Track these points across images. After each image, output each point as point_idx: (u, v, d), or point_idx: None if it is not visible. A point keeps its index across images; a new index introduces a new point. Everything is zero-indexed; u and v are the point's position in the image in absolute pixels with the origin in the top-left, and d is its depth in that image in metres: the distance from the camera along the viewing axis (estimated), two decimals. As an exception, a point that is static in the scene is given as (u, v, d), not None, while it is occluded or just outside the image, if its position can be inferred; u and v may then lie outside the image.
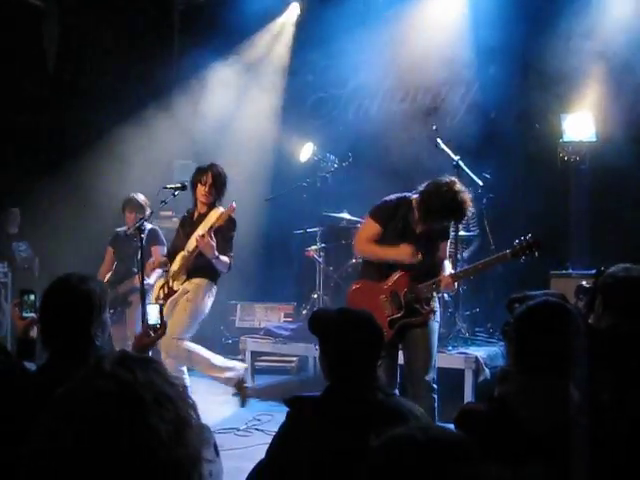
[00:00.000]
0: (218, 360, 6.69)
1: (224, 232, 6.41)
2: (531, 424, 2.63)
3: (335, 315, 3.23)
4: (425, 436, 1.58)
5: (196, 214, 6.74)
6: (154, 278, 7.16)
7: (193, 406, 1.54)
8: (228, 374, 6.65)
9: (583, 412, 2.53)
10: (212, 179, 6.59)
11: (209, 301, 6.62)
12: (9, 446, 2.21)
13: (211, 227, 6.29)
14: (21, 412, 2.53)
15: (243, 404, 6.73)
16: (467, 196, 5.19)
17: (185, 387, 1.59)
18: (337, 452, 2.80)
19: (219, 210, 6.57)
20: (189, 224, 6.75)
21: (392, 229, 5.41)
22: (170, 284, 6.60)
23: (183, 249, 6.64)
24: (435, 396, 5.34)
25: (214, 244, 6.25)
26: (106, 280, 7.82)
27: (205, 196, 6.60)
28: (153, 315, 3.65)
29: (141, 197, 7.79)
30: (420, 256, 5.32)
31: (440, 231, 5.49)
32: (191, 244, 6.53)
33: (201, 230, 6.43)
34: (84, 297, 3.16)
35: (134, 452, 1.39)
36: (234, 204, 6.39)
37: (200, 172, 6.65)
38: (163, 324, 3.67)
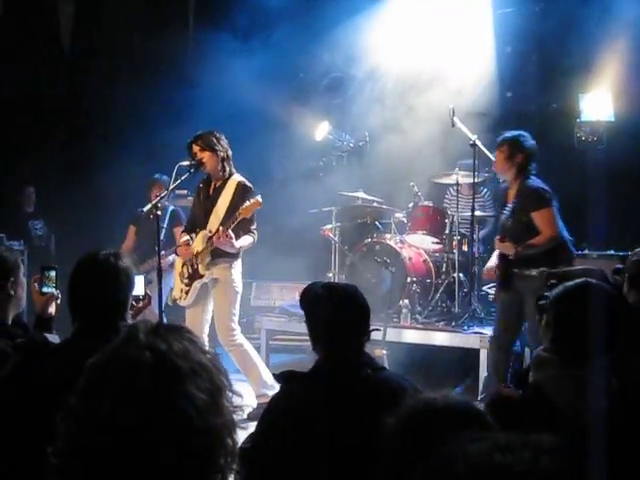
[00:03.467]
0: (265, 373, 6.51)
1: (247, 220, 6.37)
2: (569, 412, 2.60)
3: (320, 290, 3.22)
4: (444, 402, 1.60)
5: (212, 187, 6.61)
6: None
7: (226, 374, 1.56)
8: (263, 390, 6.40)
9: (620, 400, 2.46)
10: (207, 148, 6.44)
11: (240, 277, 6.61)
12: (39, 417, 2.24)
13: (232, 221, 6.22)
14: (51, 383, 2.55)
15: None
16: None
17: (217, 355, 1.59)
18: (327, 427, 2.82)
19: (234, 181, 6.49)
20: (206, 197, 6.64)
21: None
22: (195, 265, 6.54)
23: (203, 226, 6.56)
24: None
25: (233, 240, 6.20)
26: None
27: (212, 165, 6.46)
28: (139, 285, 3.68)
29: (165, 178, 7.83)
30: None
31: None
32: (212, 224, 6.47)
33: (218, 209, 6.41)
34: (119, 272, 3.15)
35: (172, 421, 1.41)
36: (260, 199, 6.26)
37: (190, 145, 6.49)
38: (147, 295, 3.72)
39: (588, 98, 8.17)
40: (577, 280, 2.89)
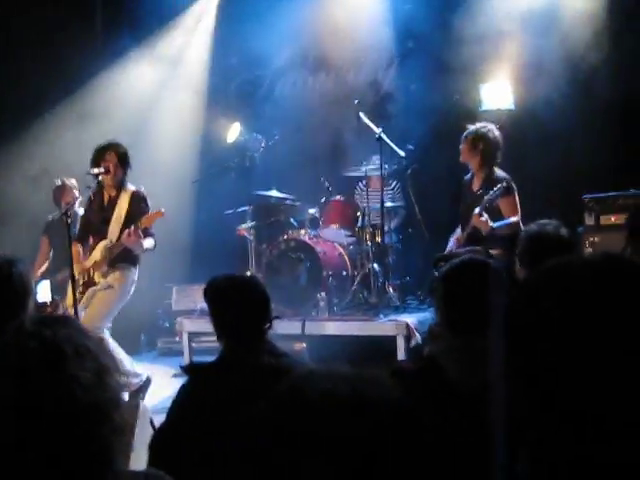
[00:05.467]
0: (128, 364, 6.53)
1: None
2: (458, 382, 2.72)
3: (222, 282, 3.34)
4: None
5: (106, 197, 6.65)
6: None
7: (112, 356, 1.73)
8: (132, 379, 6.51)
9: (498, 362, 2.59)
10: (117, 158, 6.52)
11: (133, 287, 6.65)
12: None
13: (137, 227, 6.26)
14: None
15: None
16: None
17: (102, 339, 1.77)
18: (231, 417, 2.92)
19: (129, 191, 6.55)
20: (100, 208, 6.66)
21: None
22: (90, 274, 6.55)
23: (102, 235, 6.57)
24: None
25: (142, 241, 6.30)
26: (44, 269, 7.85)
27: (112, 178, 6.53)
28: (45, 291, 3.74)
29: (72, 181, 7.82)
30: None
31: None
32: (112, 233, 6.51)
33: (116, 218, 6.45)
34: (11, 279, 3.17)
35: (58, 398, 1.57)
36: (163, 211, 6.34)
37: (102, 152, 6.51)
38: (54, 300, 3.78)
39: (488, 87, 8.43)
40: (462, 257, 3.05)
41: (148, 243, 6.45)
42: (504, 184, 6.35)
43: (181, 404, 3.17)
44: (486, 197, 6.36)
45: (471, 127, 6.85)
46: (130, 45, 9.73)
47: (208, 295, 3.37)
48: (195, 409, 3.08)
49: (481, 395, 2.70)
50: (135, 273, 6.64)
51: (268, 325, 3.26)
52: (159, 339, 9.51)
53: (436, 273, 3.20)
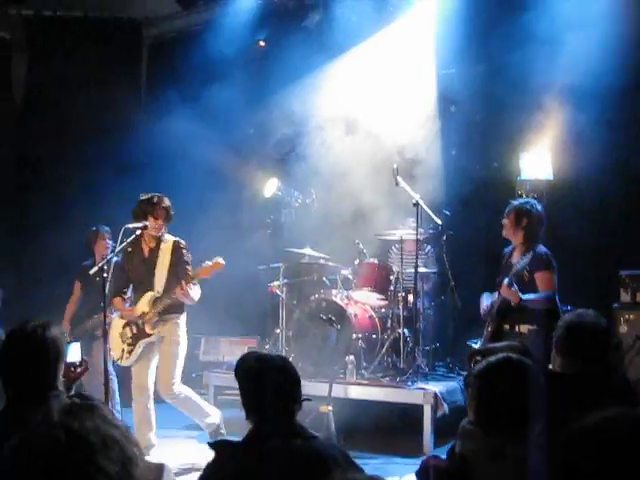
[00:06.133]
0: (205, 405, 6.85)
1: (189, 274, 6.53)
2: None
3: (252, 363, 3.32)
4: None
5: (146, 249, 6.71)
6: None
7: (137, 444, 1.72)
8: (209, 420, 6.81)
9: (539, 474, 2.55)
10: (164, 212, 6.60)
11: (185, 332, 6.77)
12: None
13: (188, 280, 6.36)
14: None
15: None
16: None
17: (128, 427, 1.76)
18: None
19: (169, 242, 6.64)
20: (142, 260, 6.71)
21: None
22: (140, 326, 6.61)
23: (146, 288, 6.63)
24: None
25: (191, 292, 6.38)
26: (74, 314, 7.92)
27: (157, 229, 6.59)
28: (75, 352, 3.76)
29: (106, 228, 7.91)
30: None
31: None
32: (158, 284, 6.58)
33: (160, 269, 6.54)
34: (45, 344, 3.23)
35: None
36: (222, 262, 6.44)
37: (150, 204, 6.58)
38: (83, 361, 3.78)
39: (528, 157, 8.41)
40: (499, 355, 3.02)
41: (196, 293, 6.50)
42: (541, 257, 6.28)
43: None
44: (516, 267, 6.29)
45: (514, 202, 6.72)
46: (172, 98, 9.87)
47: (239, 374, 3.36)
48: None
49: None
50: (184, 320, 6.73)
51: (298, 406, 3.24)
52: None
53: (472, 367, 3.16)
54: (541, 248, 6.51)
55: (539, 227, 6.56)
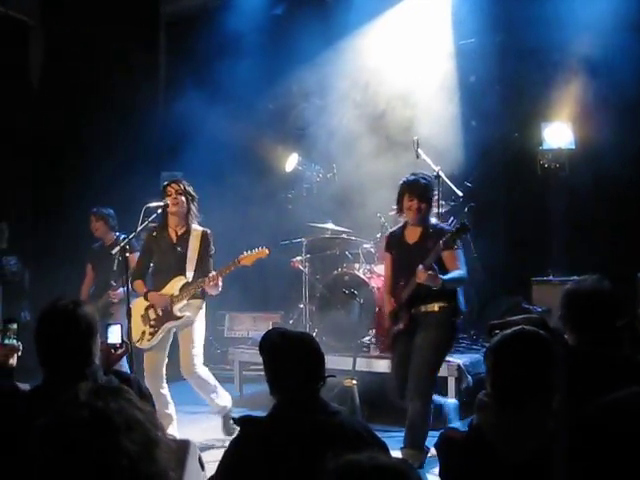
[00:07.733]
0: (219, 387, 6.86)
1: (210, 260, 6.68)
2: (505, 454, 2.73)
3: (277, 339, 3.34)
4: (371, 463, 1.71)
5: (173, 234, 6.71)
6: None
7: (162, 428, 1.78)
8: (222, 403, 6.83)
9: (558, 441, 2.57)
10: (183, 191, 6.61)
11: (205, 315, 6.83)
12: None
13: (219, 274, 6.44)
14: (23, 429, 2.66)
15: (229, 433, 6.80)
16: None
17: (153, 411, 1.79)
18: (283, 472, 2.93)
19: (199, 231, 6.67)
20: (170, 245, 6.69)
21: None
22: (168, 308, 6.61)
23: (176, 273, 6.64)
24: None
25: (220, 284, 6.47)
26: (87, 295, 8.01)
27: (178, 205, 6.58)
28: (116, 334, 3.81)
29: (102, 211, 8.12)
30: None
31: None
32: (189, 270, 6.61)
33: (190, 257, 6.61)
34: (77, 320, 3.29)
35: (108, 470, 1.63)
36: (267, 251, 6.59)
37: (167, 185, 6.65)
38: (124, 342, 3.83)
39: (550, 127, 8.35)
40: (514, 328, 3.02)
41: (220, 285, 6.56)
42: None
43: (231, 458, 3.18)
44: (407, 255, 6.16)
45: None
46: (191, 76, 9.89)
47: (263, 351, 3.38)
48: (244, 464, 3.08)
49: (527, 469, 2.69)
50: (204, 305, 6.78)
51: (322, 383, 3.26)
52: (210, 365, 9.54)
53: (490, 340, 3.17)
54: (436, 223, 6.44)
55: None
